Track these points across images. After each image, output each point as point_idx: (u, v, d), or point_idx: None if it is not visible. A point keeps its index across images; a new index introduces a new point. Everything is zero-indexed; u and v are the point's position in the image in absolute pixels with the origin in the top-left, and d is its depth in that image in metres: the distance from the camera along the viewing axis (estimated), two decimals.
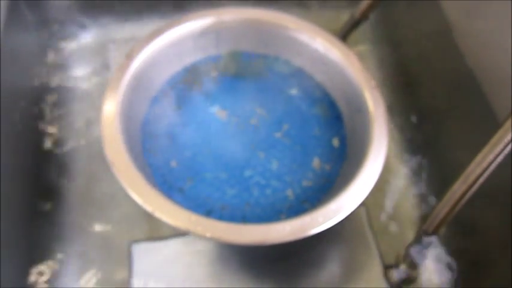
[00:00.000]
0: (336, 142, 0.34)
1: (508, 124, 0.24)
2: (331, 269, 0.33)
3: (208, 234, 0.26)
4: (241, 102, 0.35)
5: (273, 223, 0.27)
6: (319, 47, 0.34)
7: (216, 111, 0.35)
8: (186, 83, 0.36)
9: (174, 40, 0.34)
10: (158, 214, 0.26)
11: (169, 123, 0.34)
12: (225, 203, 0.31)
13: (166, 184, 0.31)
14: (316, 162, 0.33)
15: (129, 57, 0.32)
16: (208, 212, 0.30)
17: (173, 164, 0.32)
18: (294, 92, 0.36)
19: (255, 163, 0.33)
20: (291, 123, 0.35)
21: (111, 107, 0.30)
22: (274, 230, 0.26)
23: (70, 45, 0.45)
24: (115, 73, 0.31)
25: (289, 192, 0.32)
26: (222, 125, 0.34)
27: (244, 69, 0.37)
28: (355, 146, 0.33)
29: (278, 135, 0.34)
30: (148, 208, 0.26)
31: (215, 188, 0.31)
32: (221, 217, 0.30)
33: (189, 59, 0.36)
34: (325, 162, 0.33)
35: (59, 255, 0.34)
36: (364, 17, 0.37)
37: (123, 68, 0.32)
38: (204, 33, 0.35)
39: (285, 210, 0.31)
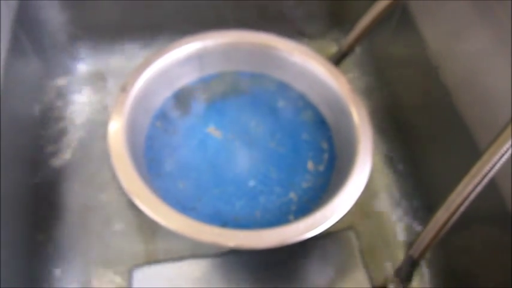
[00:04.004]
0: (324, 144, 0.37)
1: (485, 157, 0.26)
2: None
3: (231, 244, 0.28)
4: (233, 119, 0.38)
5: (288, 224, 0.29)
6: (298, 60, 0.38)
7: (211, 130, 0.37)
8: (178, 107, 0.38)
9: (162, 68, 0.36)
10: (183, 231, 0.28)
11: (169, 148, 0.36)
12: (237, 214, 0.33)
13: (179, 204, 0.32)
14: (310, 165, 0.36)
15: (124, 89, 0.34)
16: (224, 224, 0.32)
17: (181, 185, 0.34)
18: (280, 103, 0.39)
19: (256, 173, 0.35)
20: (282, 132, 0.37)
21: (117, 138, 0.31)
22: (290, 231, 0.29)
23: (69, 75, 0.46)
24: (114, 107, 0.33)
25: (292, 195, 0.34)
26: (218, 142, 0.37)
27: (231, 88, 0.39)
28: (343, 145, 0.36)
29: (272, 144, 0.37)
30: (173, 227, 0.28)
31: (224, 202, 0.33)
32: (236, 227, 0.32)
33: (178, 84, 0.38)
34: (318, 164, 0.36)
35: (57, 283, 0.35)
36: (350, 49, 0.39)
37: (121, 101, 0.33)
38: (189, 58, 0.37)
39: (292, 212, 0.33)
